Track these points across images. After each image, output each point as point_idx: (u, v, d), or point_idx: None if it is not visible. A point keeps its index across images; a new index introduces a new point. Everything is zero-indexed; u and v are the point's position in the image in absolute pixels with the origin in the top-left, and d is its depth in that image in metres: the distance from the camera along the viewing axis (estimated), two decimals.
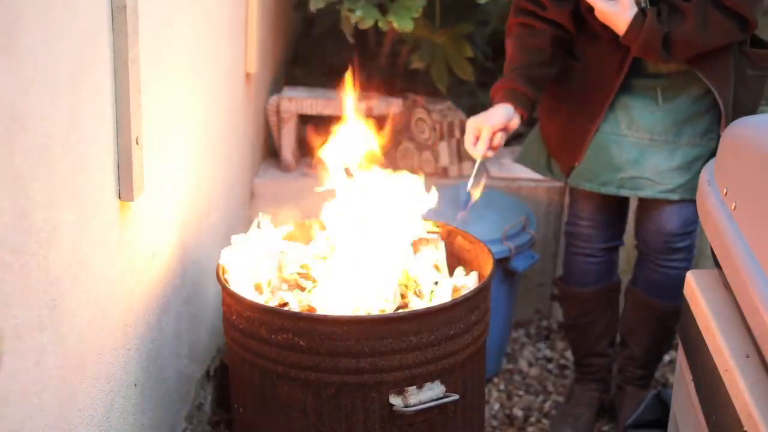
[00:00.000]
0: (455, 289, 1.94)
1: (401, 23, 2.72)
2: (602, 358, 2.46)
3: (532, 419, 2.54)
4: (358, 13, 2.74)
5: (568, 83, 2.16)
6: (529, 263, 2.63)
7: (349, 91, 2.09)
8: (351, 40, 2.92)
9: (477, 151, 2.06)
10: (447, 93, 3.16)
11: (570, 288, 2.42)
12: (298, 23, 3.74)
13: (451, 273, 2.01)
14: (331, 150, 2.02)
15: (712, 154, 2.07)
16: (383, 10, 2.82)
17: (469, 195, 2.10)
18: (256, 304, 1.78)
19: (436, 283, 1.95)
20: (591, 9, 2.01)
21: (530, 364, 2.82)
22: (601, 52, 2.09)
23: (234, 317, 1.82)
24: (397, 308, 1.88)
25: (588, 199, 2.30)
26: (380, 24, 2.75)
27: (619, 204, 2.35)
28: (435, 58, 2.99)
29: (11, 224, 1.18)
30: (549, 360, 2.86)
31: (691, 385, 1.57)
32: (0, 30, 1.12)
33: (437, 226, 2.06)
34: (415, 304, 1.88)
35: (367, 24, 2.74)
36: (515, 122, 2.06)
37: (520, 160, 2.40)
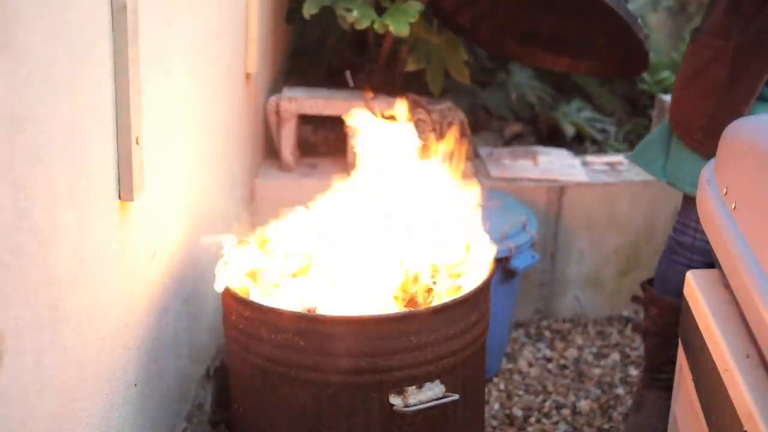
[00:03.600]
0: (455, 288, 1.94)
1: (398, 27, 2.70)
2: None
3: (532, 419, 2.55)
4: (355, 13, 2.73)
5: (720, 65, 2.11)
6: (529, 263, 2.63)
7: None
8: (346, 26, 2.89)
9: None
10: (446, 93, 3.16)
11: (665, 297, 2.34)
12: (298, 23, 3.73)
13: None
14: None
15: None
16: (380, 10, 2.81)
17: None
18: (256, 304, 1.78)
19: (434, 282, 1.95)
20: None
21: (530, 364, 2.82)
22: (753, 35, 2.04)
23: (234, 317, 1.82)
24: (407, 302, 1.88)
25: None
26: (376, 26, 2.73)
27: None
28: (431, 61, 2.98)
29: (11, 224, 1.18)
30: (549, 360, 2.86)
31: (691, 385, 1.57)
32: None
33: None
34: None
35: (363, 25, 2.72)
36: None
37: (635, 158, 2.37)
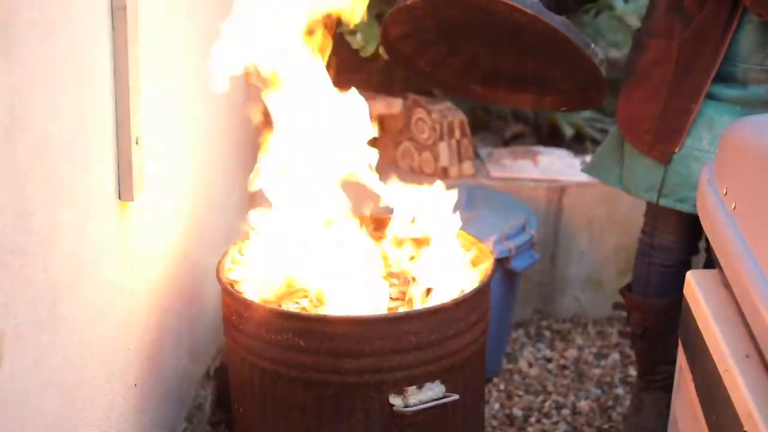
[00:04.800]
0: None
1: None
2: (672, 365, 2.40)
3: (532, 419, 2.55)
4: (359, 37, 2.73)
5: (665, 66, 2.10)
6: (529, 263, 2.63)
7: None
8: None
9: None
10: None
11: (644, 299, 2.34)
12: None
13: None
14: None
15: None
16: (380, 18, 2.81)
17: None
18: (257, 304, 1.78)
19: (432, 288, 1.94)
20: None
21: (530, 364, 2.82)
22: (696, 33, 2.04)
23: (234, 317, 1.82)
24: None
25: (672, 213, 2.21)
26: (381, 51, 2.73)
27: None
28: None
29: (11, 224, 1.18)
30: (549, 360, 2.86)
31: (691, 385, 1.57)
32: None
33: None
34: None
35: (369, 52, 2.72)
36: None
37: (590, 170, 2.38)
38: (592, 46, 1.94)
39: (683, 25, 2.05)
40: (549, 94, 2.32)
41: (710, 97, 2.05)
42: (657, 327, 2.35)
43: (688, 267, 2.31)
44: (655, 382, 2.41)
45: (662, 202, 2.14)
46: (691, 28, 2.03)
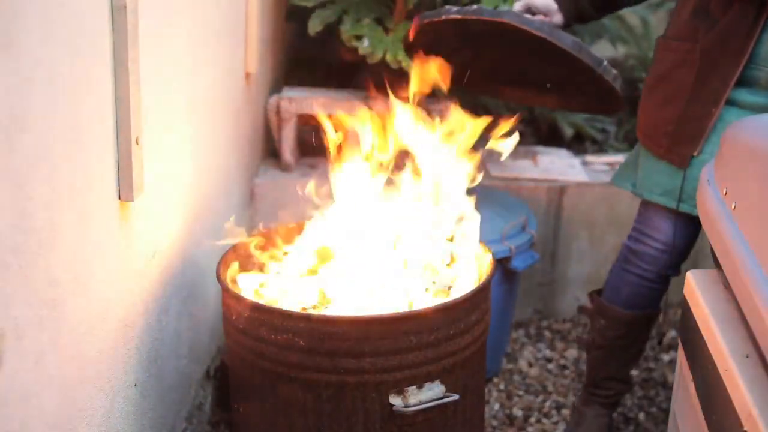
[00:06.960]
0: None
1: (409, 61, 2.70)
2: (624, 384, 2.34)
3: (532, 419, 2.55)
4: (366, 44, 2.72)
5: (687, 68, 2.07)
6: (529, 263, 2.63)
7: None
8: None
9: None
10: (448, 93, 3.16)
11: (613, 308, 2.28)
12: (298, 23, 3.73)
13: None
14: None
15: None
16: (384, 26, 2.82)
17: None
18: (256, 304, 1.78)
19: (434, 282, 1.95)
20: None
21: (530, 364, 2.82)
22: (720, 35, 2.01)
23: (234, 317, 1.82)
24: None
25: (665, 218, 2.17)
26: (389, 58, 2.72)
27: (696, 228, 2.18)
28: None
29: (11, 224, 1.18)
30: (549, 360, 2.86)
31: (691, 385, 1.57)
32: None
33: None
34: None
35: (376, 58, 2.72)
36: (557, 19, 2.16)
37: (614, 180, 2.34)
38: (605, 63, 1.95)
39: (707, 28, 2.01)
40: (574, 96, 2.32)
41: (731, 103, 2.01)
42: (618, 339, 2.29)
43: (666, 283, 2.26)
44: (598, 397, 2.37)
45: (682, 207, 2.10)
46: (714, 30, 2.00)
